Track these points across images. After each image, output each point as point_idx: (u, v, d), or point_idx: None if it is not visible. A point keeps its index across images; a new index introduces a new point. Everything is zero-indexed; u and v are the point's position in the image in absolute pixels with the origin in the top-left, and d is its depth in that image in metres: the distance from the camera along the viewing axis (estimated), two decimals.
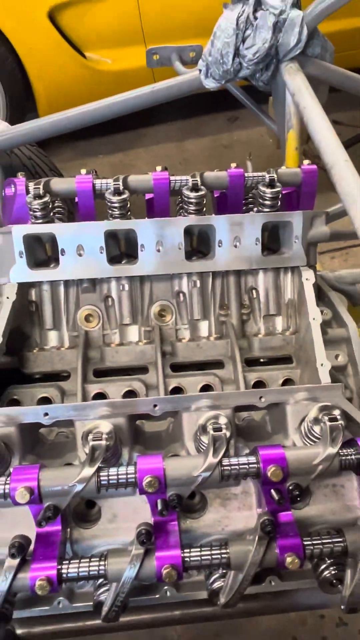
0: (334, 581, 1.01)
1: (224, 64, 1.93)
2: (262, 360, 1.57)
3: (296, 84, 1.90)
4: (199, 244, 1.65)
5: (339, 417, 1.01)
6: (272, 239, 1.63)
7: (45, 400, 1.42)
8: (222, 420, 1.02)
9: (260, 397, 1.09)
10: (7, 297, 1.45)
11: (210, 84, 2.02)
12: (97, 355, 1.54)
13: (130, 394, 1.45)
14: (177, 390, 1.47)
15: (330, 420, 1.00)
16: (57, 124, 2.00)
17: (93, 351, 1.55)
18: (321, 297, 1.59)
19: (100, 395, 1.44)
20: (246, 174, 1.55)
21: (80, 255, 1.49)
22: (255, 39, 1.91)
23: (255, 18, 1.91)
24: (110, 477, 0.95)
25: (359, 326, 1.81)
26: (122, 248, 1.63)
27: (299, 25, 1.92)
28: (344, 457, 0.98)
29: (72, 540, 1.05)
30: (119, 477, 0.95)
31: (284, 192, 1.55)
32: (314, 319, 1.41)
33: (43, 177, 2.38)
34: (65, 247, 1.47)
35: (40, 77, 3.62)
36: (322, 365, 1.31)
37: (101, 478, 0.95)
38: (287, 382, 1.49)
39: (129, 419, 1.08)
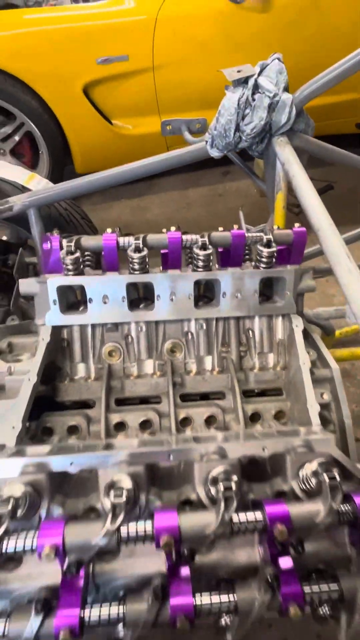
0: (329, 618, 0.83)
1: (227, 137, 1.73)
2: (256, 391, 1.38)
3: (286, 155, 1.70)
4: (205, 290, 1.46)
5: (337, 475, 0.82)
6: (266, 286, 1.44)
7: (74, 430, 1.23)
8: (232, 478, 0.83)
9: (264, 449, 0.90)
10: (43, 339, 1.26)
11: (214, 153, 1.81)
12: (119, 385, 1.35)
13: (146, 422, 1.26)
14: (186, 420, 1.28)
15: (330, 478, 0.81)
16: (89, 184, 1.80)
17: (115, 381, 1.36)
18: (306, 336, 1.40)
19: (121, 425, 1.25)
20: (247, 234, 1.36)
21: (105, 303, 1.29)
22: (253, 117, 1.71)
23: (254, 100, 1.71)
24: (130, 534, 0.77)
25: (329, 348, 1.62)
26: (140, 293, 1.43)
27: (289, 107, 1.72)
28: (342, 515, 0.79)
29: (94, 574, 0.87)
30: (138, 533, 0.77)
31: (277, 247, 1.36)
32: (304, 363, 1.22)
33: (76, 224, 2.18)
34: (92, 297, 1.28)
35: (76, 139, 3.40)
36: (312, 406, 1.12)
37: (122, 534, 0.76)
38: (279, 413, 1.30)
39: (146, 467, 0.89)
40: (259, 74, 1.74)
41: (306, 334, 1.38)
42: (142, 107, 3.33)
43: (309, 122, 1.98)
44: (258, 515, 0.79)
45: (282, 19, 3.00)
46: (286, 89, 1.76)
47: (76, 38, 2.94)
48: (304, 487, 0.89)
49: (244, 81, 1.76)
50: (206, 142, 1.82)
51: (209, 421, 1.28)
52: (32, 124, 3.25)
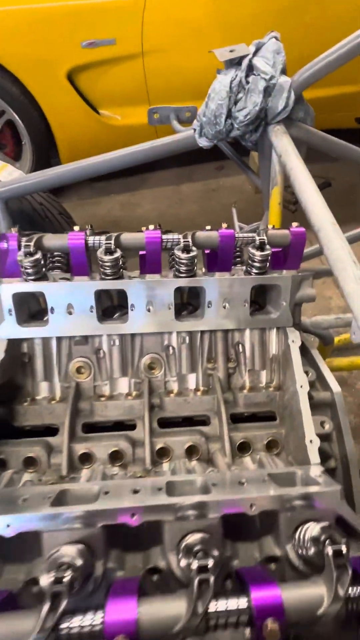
0: None
1: (217, 125, 1.54)
2: (246, 414, 1.19)
3: (283, 145, 1.51)
4: (189, 297, 1.27)
5: (344, 549, 0.63)
6: (258, 294, 1.25)
7: (31, 462, 1.04)
8: (210, 551, 0.64)
9: (251, 506, 0.72)
10: None
11: (203, 143, 1.62)
12: (87, 407, 1.16)
13: (117, 454, 1.07)
14: (163, 451, 1.09)
15: (335, 555, 0.62)
16: (66, 174, 1.60)
17: (83, 403, 1.17)
18: (303, 352, 1.21)
19: (86, 456, 1.06)
20: (236, 235, 1.16)
21: (70, 313, 1.10)
22: (246, 102, 1.52)
23: (247, 82, 1.52)
24: (71, 632, 0.58)
25: (325, 358, 1.43)
26: (114, 301, 1.24)
27: (287, 91, 1.53)
28: (353, 602, 0.61)
29: None
30: (82, 631, 0.58)
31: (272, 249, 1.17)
32: (301, 386, 1.04)
33: (52, 220, 1.98)
34: (54, 306, 1.09)
35: (61, 129, 3.19)
36: (311, 442, 0.94)
37: (61, 633, 0.58)
38: (272, 443, 1.12)
39: (104, 529, 0.70)
40: (254, 54, 1.54)
41: (304, 350, 1.19)
42: (131, 96, 3.12)
43: (308, 110, 1.78)
44: (242, 602, 0.60)
45: (281, 1, 2.80)
46: (284, 72, 1.57)
47: (59, 18, 2.72)
48: (302, 553, 0.71)
49: (237, 62, 1.56)
50: (194, 130, 1.62)
51: (191, 451, 1.10)
52: (13, 112, 3.03)
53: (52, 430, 1.13)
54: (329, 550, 0.63)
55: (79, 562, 0.63)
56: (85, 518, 0.69)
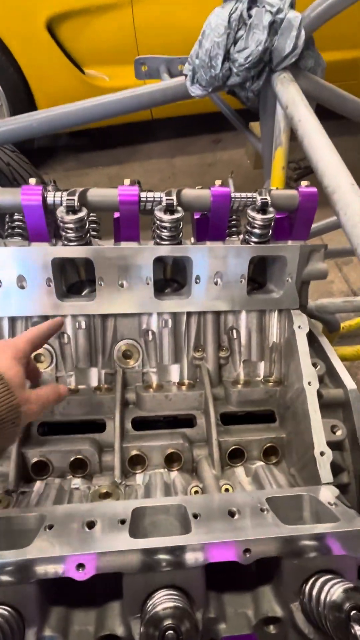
0: None
1: (213, 68, 1.30)
2: (239, 414, 1.00)
3: (290, 95, 1.27)
4: (174, 272, 1.05)
5: None
6: (257, 269, 1.04)
7: None
8: (183, 623, 0.45)
9: (246, 552, 0.52)
10: None
11: (196, 92, 1.37)
12: None
13: (79, 462, 0.87)
14: (137, 459, 0.89)
15: None
16: (35, 122, 1.34)
17: None
18: (310, 340, 1.01)
19: (40, 465, 0.86)
20: (233, 195, 0.94)
21: (22, 287, 0.88)
22: (248, 41, 1.27)
23: (250, 16, 1.27)
24: None
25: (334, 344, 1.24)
26: (81, 275, 1.02)
27: (297, 29, 1.28)
28: None
29: None
30: None
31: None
32: (309, 383, 0.84)
33: (21, 182, 1.73)
34: (2, 278, 0.86)
35: (41, 90, 2.89)
36: (322, 454, 0.74)
37: None
38: (270, 450, 0.92)
39: (38, 584, 0.50)
40: None
41: (311, 337, 0.99)
42: (120, 53, 2.82)
43: (319, 60, 1.53)
44: None
45: None
46: (292, 6, 1.32)
47: None
48: (314, 616, 0.52)
49: None
50: (185, 75, 1.38)
51: (171, 459, 0.90)
52: None
53: None
54: (355, 629, 0.43)
55: None
56: (12, 571, 0.49)
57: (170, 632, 0.43)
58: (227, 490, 0.83)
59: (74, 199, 0.86)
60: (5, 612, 0.48)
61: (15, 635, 0.48)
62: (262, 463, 0.90)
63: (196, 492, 0.82)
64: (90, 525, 0.57)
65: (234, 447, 0.90)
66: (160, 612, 0.45)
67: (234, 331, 1.02)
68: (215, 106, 3.29)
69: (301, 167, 3.59)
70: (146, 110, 1.44)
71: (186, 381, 1.01)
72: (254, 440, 0.91)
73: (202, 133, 4.08)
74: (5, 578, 0.49)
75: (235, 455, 0.92)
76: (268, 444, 0.91)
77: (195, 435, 0.94)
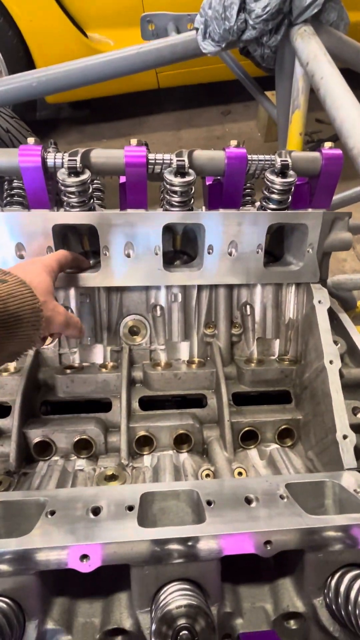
0: None
1: (227, 20, 1.18)
2: (253, 394, 0.94)
3: (311, 50, 1.17)
4: (184, 242, 0.98)
5: None
6: (273, 240, 0.97)
7: None
8: (198, 621, 0.40)
9: (267, 544, 0.47)
10: None
11: (207, 47, 1.27)
12: (49, 381, 0.90)
13: (84, 443, 0.83)
14: (145, 440, 0.85)
15: None
16: (34, 82, 1.24)
17: (44, 375, 0.91)
18: (330, 317, 0.94)
19: (44, 445, 0.82)
20: (249, 157, 0.86)
21: (21, 257, 0.81)
22: None
23: None
24: None
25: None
26: (85, 246, 0.95)
27: None
28: None
29: None
30: None
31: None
32: (330, 362, 0.78)
33: None
34: None
35: (42, 55, 2.75)
36: (344, 437, 0.69)
37: None
38: (285, 432, 0.87)
39: (38, 576, 0.46)
40: None
41: (331, 314, 0.92)
42: (125, 15, 2.66)
43: (342, 14, 1.41)
44: None
45: None
46: None
47: None
48: (339, 612, 0.47)
49: None
50: (196, 30, 1.27)
51: (181, 441, 0.85)
52: None
53: (3, 411, 0.88)
54: None
55: None
56: (11, 561, 0.45)
57: (185, 632, 0.39)
58: (240, 474, 0.78)
59: (76, 160, 0.79)
60: (4, 605, 0.44)
61: (14, 629, 0.44)
62: (276, 445, 0.85)
63: (207, 475, 0.78)
64: (96, 511, 0.53)
65: (247, 428, 0.85)
66: (174, 610, 0.40)
67: (248, 307, 0.95)
68: (225, 75, 3.13)
69: (314, 141, 3.43)
70: (153, 69, 1.34)
71: (196, 359, 0.95)
72: (269, 422, 0.86)
73: (211, 104, 3.90)
74: (3, 568, 0.45)
75: (248, 437, 0.87)
76: (283, 426, 0.86)
77: (205, 416, 0.89)
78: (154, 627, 0.41)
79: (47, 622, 0.47)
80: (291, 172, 0.84)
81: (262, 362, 0.94)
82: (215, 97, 4.01)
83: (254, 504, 0.54)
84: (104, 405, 0.89)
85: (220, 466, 0.78)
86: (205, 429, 0.87)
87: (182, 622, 0.39)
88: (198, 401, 0.95)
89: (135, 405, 0.89)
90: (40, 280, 0.67)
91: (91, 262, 0.97)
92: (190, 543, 0.47)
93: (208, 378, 0.92)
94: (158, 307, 0.93)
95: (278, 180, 0.83)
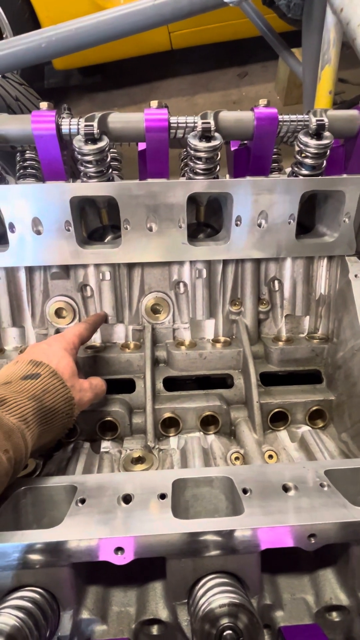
0: None
1: None
2: (281, 374, 0.90)
3: None
4: (207, 215, 0.92)
5: None
6: (303, 210, 0.90)
7: None
8: (240, 619, 0.38)
9: (311, 537, 0.44)
10: None
11: None
12: None
13: (108, 424, 0.81)
14: (171, 421, 0.82)
15: None
16: (42, 43, 1.16)
17: None
18: None
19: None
20: (281, 117, 0.78)
21: (38, 233, 0.77)
22: None
23: None
24: None
25: None
26: (104, 220, 0.90)
27: None
28: None
29: None
30: None
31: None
32: None
33: None
34: (14, 221, 0.76)
35: (48, 15, 2.60)
36: None
37: None
38: (316, 413, 0.83)
39: (72, 568, 0.44)
40: None
41: None
42: None
43: None
44: None
45: None
46: None
47: None
48: None
49: None
50: None
51: (207, 422, 0.82)
52: None
53: None
54: None
55: (8, 625, 0.37)
56: (43, 553, 0.43)
57: (229, 632, 0.37)
58: (270, 456, 0.75)
59: (93, 126, 0.73)
60: (38, 596, 0.43)
61: (49, 619, 0.43)
62: (308, 427, 0.82)
63: (237, 458, 0.75)
64: (127, 499, 0.50)
65: (276, 409, 0.82)
66: (217, 610, 0.38)
67: (276, 282, 0.90)
68: (242, 32, 2.93)
69: (336, 103, 3.23)
70: (172, 22, 1.24)
71: (222, 338, 0.91)
72: (299, 403, 0.82)
73: (227, 66, 3.69)
74: (36, 558, 0.43)
75: (278, 419, 0.83)
76: (314, 407, 0.82)
77: (232, 397, 0.86)
78: (196, 625, 0.39)
79: (81, 612, 0.46)
80: (327, 134, 0.76)
81: (291, 341, 0.90)
82: (231, 58, 3.78)
83: (292, 492, 0.51)
84: (127, 386, 0.87)
85: (250, 449, 0.75)
86: (232, 410, 0.84)
87: (225, 621, 0.37)
88: (221, 381, 0.92)
89: (160, 385, 0.86)
90: (65, 364, 0.67)
91: (110, 237, 0.93)
92: (229, 536, 0.44)
93: (234, 357, 0.88)
94: (181, 284, 0.89)
95: (313, 142, 0.75)
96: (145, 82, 3.61)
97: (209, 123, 0.74)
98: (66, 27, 1.13)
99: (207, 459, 0.73)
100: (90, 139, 0.73)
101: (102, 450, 0.78)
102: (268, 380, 0.88)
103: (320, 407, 0.82)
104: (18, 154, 0.98)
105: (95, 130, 0.73)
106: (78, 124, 0.75)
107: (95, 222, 0.92)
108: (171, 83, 3.63)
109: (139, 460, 0.74)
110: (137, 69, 3.56)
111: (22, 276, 0.85)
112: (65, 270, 0.86)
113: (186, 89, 3.59)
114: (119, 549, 0.43)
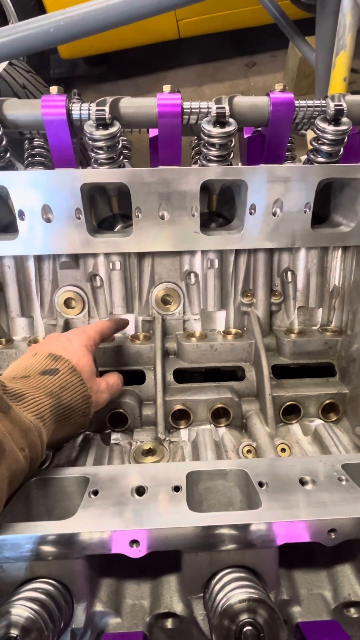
0: None
1: None
2: (292, 366, 0.89)
3: None
4: (219, 204, 0.90)
5: None
6: (318, 199, 0.88)
7: None
8: (260, 614, 0.37)
9: (331, 532, 0.43)
10: None
11: None
12: None
13: (118, 416, 0.80)
14: (181, 413, 0.81)
15: None
16: (48, 28, 1.13)
17: None
18: None
19: None
20: (297, 102, 0.76)
21: (48, 221, 0.76)
22: None
23: None
24: None
25: None
26: (114, 208, 0.89)
27: None
28: None
29: None
30: None
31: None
32: None
33: None
34: (24, 208, 0.74)
35: (54, 1, 2.56)
36: None
37: None
38: (329, 406, 0.82)
39: (87, 559, 0.44)
40: None
41: None
42: None
43: None
44: None
45: None
46: None
47: None
48: None
49: None
50: None
51: (218, 415, 0.81)
52: None
53: None
54: None
55: (22, 617, 0.36)
56: (57, 545, 0.42)
57: (249, 627, 0.36)
58: (283, 450, 0.74)
59: (104, 110, 0.71)
60: (52, 588, 0.42)
61: (63, 611, 0.42)
62: (321, 421, 0.81)
63: (249, 451, 0.74)
64: (140, 491, 0.49)
65: (289, 403, 0.81)
66: (236, 605, 0.37)
67: (289, 273, 0.88)
68: (251, 21, 2.87)
69: (354, 92, 3.17)
70: (182, 7, 1.21)
71: (233, 330, 0.90)
72: (312, 396, 0.81)
73: (235, 56, 3.63)
74: (49, 550, 0.42)
75: (289, 412, 0.82)
76: (328, 400, 0.81)
77: (243, 389, 0.85)
78: (214, 621, 0.38)
79: (95, 605, 0.45)
80: (345, 119, 0.74)
81: (303, 333, 0.88)
82: (239, 47, 3.72)
83: (309, 486, 0.50)
84: (137, 378, 0.85)
85: (262, 442, 0.74)
86: (244, 402, 0.83)
87: (245, 617, 0.36)
88: (231, 373, 0.91)
89: (170, 377, 0.85)
90: (84, 363, 0.65)
91: (120, 226, 0.92)
92: (247, 530, 0.43)
93: (246, 350, 0.86)
94: (192, 274, 0.87)
95: (330, 128, 0.73)
96: (151, 72, 3.56)
97: (223, 108, 0.72)
98: (75, 11, 1.11)
99: (219, 452, 0.72)
100: (102, 124, 0.71)
101: (112, 441, 0.77)
102: (280, 373, 0.87)
103: (334, 400, 0.81)
104: (26, 142, 0.97)
105: (107, 115, 0.71)
106: (89, 109, 0.73)
107: (105, 211, 0.90)
108: (178, 73, 3.58)
109: (150, 452, 0.73)
110: (143, 59, 3.51)
111: (31, 265, 0.84)
112: (75, 260, 0.85)
113: (193, 79, 3.54)
114: (134, 542, 0.42)
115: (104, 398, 0.68)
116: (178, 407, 0.80)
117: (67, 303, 0.88)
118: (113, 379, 0.72)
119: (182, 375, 0.87)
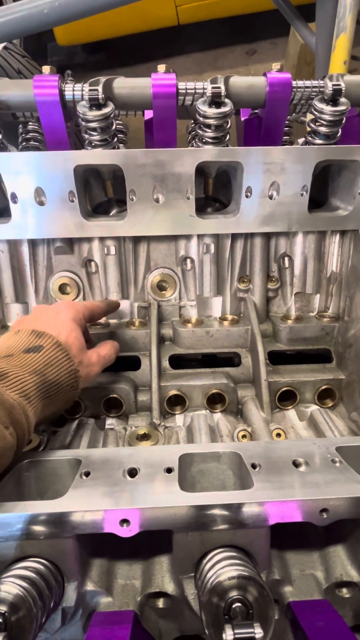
0: None
1: None
2: (288, 352, 0.88)
3: None
4: (216, 189, 0.89)
5: None
6: (316, 183, 0.86)
7: None
8: (255, 610, 0.37)
9: (323, 512, 0.43)
10: None
11: None
12: None
13: (113, 402, 0.80)
14: (177, 399, 0.81)
15: None
16: (42, 9, 1.11)
17: None
18: None
19: (73, 404, 0.79)
20: (294, 83, 0.74)
21: (41, 203, 0.75)
22: None
23: None
24: None
25: None
26: (109, 192, 0.87)
27: None
28: None
29: None
30: None
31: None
32: None
33: None
34: (16, 191, 0.73)
35: None
36: None
37: None
38: (325, 392, 0.81)
39: (77, 539, 0.43)
40: None
41: None
42: None
43: None
44: None
45: None
46: None
47: None
48: None
49: None
50: None
51: (213, 401, 0.81)
52: None
53: None
54: None
55: (20, 595, 0.36)
56: (47, 524, 0.42)
57: (238, 604, 0.36)
58: (278, 435, 0.74)
59: (97, 90, 0.70)
60: (42, 567, 0.42)
61: (53, 590, 0.42)
62: (316, 406, 0.80)
63: (244, 436, 0.74)
64: (132, 473, 0.49)
65: (285, 388, 0.80)
66: (225, 582, 0.37)
67: (286, 259, 0.87)
68: (251, 6, 2.82)
69: None
70: None
71: (229, 316, 0.89)
72: (308, 382, 0.81)
73: (235, 43, 3.58)
74: (39, 529, 0.42)
75: (285, 398, 0.82)
76: (324, 386, 0.81)
77: (239, 375, 0.84)
78: (203, 598, 0.38)
79: (86, 584, 0.45)
80: (343, 100, 0.73)
81: (300, 319, 0.87)
82: (239, 35, 3.66)
83: (302, 468, 0.50)
84: (132, 364, 0.85)
85: (257, 427, 0.74)
86: (240, 388, 0.83)
87: (234, 594, 0.36)
88: (227, 360, 0.90)
89: (166, 363, 0.85)
90: (74, 337, 0.64)
91: (115, 211, 0.90)
92: (239, 509, 0.43)
93: (242, 336, 0.86)
94: (188, 260, 0.86)
95: (328, 108, 0.72)
96: (150, 60, 3.51)
97: (219, 88, 0.70)
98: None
99: (213, 437, 0.72)
100: (95, 104, 0.70)
101: (107, 427, 0.77)
102: (276, 359, 0.86)
103: (330, 386, 0.80)
104: (20, 126, 0.95)
105: (100, 95, 0.69)
106: (82, 89, 0.72)
107: (100, 196, 0.89)
108: (177, 61, 3.53)
109: (145, 437, 0.73)
110: (142, 47, 3.46)
111: (25, 250, 0.83)
112: (69, 245, 0.84)
113: (193, 67, 3.49)
114: (125, 521, 0.42)
115: (95, 371, 0.67)
116: (173, 392, 0.79)
117: (62, 289, 0.87)
118: (105, 350, 0.70)
119: (178, 362, 0.87)
